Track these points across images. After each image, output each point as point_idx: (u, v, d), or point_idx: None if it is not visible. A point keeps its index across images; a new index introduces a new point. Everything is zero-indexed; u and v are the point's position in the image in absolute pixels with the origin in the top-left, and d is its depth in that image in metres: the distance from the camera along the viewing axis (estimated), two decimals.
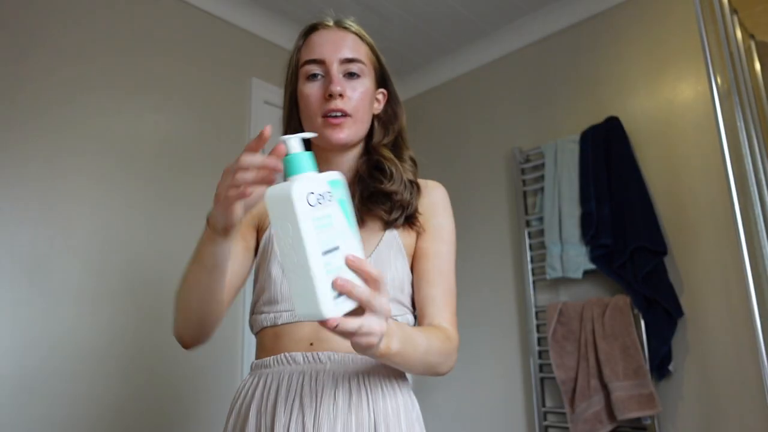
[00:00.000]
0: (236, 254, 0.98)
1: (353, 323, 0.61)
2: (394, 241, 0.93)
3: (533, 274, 2.41)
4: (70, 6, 1.86)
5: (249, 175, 0.67)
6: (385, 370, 0.87)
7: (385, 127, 1.02)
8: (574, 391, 2.09)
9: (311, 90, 0.93)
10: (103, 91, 1.89)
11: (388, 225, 0.93)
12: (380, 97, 1.01)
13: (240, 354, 2.09)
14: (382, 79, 1.01)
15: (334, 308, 0.59)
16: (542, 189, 2.40)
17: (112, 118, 1.90)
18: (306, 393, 0.82)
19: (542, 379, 2.32)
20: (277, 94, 2.43)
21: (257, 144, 0.67)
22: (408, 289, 0.93)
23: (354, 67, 0.93)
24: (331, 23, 0.97)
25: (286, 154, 0.63)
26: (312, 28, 0.98)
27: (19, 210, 1.65)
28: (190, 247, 2.17)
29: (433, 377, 0.93)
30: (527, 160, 2.50)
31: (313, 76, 0.93)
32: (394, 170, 0.94)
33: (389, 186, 0.92)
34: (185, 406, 1.91)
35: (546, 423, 2.27)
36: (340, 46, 0.93)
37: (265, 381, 0.87)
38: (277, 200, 0.60)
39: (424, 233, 0.95)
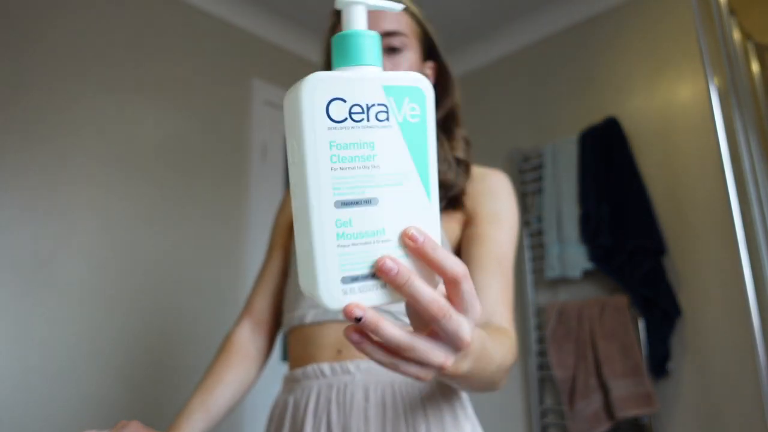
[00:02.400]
0: (278, 268, 0.93)
1: (395, 334, 0.38)
2: None
3: (532, 274, 2.41)
4: (70, 7, 1.87)
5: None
6: None
7: (436, 104, 0.90)
8: (572, 389, 2.10)
9: None
10: (104, 92, 1.90)
11: None
12: (428, 71, 0.91)
13: None
14: (429, 51, 0.91)
15: (341, 298, 0.37)
16: (541, 189, 2.41)
17: (113, 119, 1.91)
18: (334, 408, 0.73)
19: (541, 378, 2.33)
20: (278, 95, 2.44)
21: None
22: None
23: (395, 41, 0.83)
24: None
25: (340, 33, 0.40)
26: None
27: (20, 210, 1.65)
28: (190, 247, 2.19)
29: None
30: (526, 161, 2.51)
31: None
32: (454, 153, 0.85)
33: (448, 172, 0.82)
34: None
35: (545, 421, 2.28)
36: (378, 19, 0.83)
37: (295, 397, 0.79)
38: (288, 104, 0.38)
39: (476, 219, 0.83)
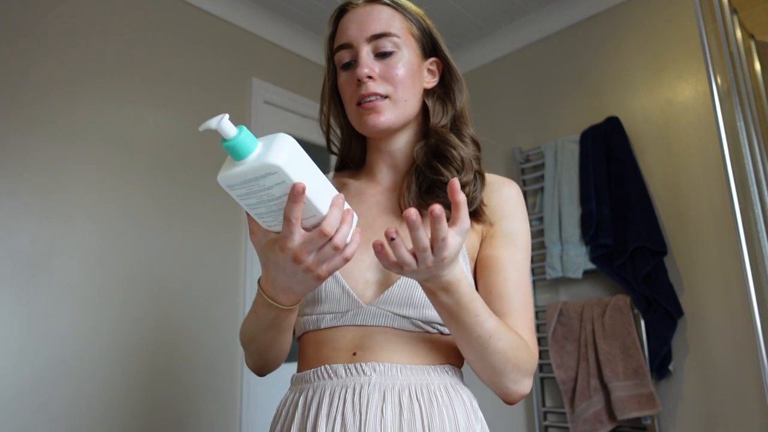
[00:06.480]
0: None
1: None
2: None
3: (533, 274, 2.40)
4: (68, 8, 1.86)
5: (354, 246, 0.64)
6: (442, 380, 0.77)
7: (443, 103, 0.89)
8: (574, 391, 2.09)
9: (344, 79, 0.85)
10: (102, 93, 1.89)
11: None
12: (433, 67, 0.89)
13: (239, 354, 2.09)
14: (432, 49, 0.89)
15: None
16: (542, 189, 2.40)
17: (112, 119, 1.90)
18: (348, 410, 0.72)
19: (542, 379, 2.32)
20: (277, 94, 2.43)
21: (341, 213, 0.63)
22: None
23: (386, 43, 0.82)
24: (360, 0, 0.86)
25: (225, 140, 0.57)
26: (341, 11, 0.87)
27: (19, 210, 1.65)
28: (188, 246, 2.17)
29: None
30: (527, 160, 2.50)
31: (347, 65, 0.84)
32: (464, 156, 0.83)
33: (460, 177, 0.81)
34: (184, 405, 1.91)
35: (546, 423, 2.27)
36: (368, 23, 0.82)
37: (305, 397, 0.78)
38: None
39: (492, 238, 0.83)
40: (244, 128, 0.57)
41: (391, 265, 0.62)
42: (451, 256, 0.61)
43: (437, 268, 0.61)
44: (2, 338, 1.56)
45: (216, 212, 2.13)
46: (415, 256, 0.61)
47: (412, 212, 0.56)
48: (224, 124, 0.55)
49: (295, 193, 0.57)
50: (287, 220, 0.59)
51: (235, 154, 0.56)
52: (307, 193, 0.57)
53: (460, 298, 0.67)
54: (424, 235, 0.59)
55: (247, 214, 0.65)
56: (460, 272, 0.66)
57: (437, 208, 0.57)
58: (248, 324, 0.81)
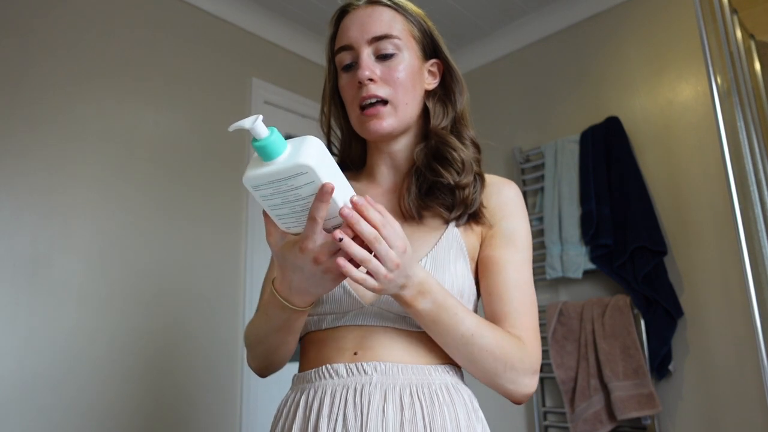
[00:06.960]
0: None
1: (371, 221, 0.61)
2: (455, 241, 0.82)
3: (533, 274, 2.40)
4: (69, 8, 1.86)
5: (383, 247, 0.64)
6: (443, 380, 0.78)
7: (443, 104, 0.89)
8: (574, 391, 2.09)
9: (345, 81, 0.85)
10: (103, 91, 1.89)
11: (448, 222, 0.83)
12: (434, 69, 0.89)
13: (239, 354, 2.09)
14: (432, 50, 0.89)
15: None
16: (542, 189, 2.40)
17: (112, 118, 1.90)
18: (350, 410, 0.72)
19: (542, 379, 2.32)
20: (277, 94, 2.43)
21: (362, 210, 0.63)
22: (468, 295, 0.81)
23: (387, 45, 0.82)
24: (361, 1, 0.86)
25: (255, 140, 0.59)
26: (342, 12, 0.87)
27: (19, 210, 1.65)
28: (188, 246, 2.17)
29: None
30: (527, 160, 2.50)
31: (348, 67, 0.85)
32: (464, 158, 0.83)
33: (460, 179, 0.82)
34: (184, 405, 1.91)
35: (546, 423, 2.27)
36: (369, 25, 0.83)
37: (307, 397, 0.78)
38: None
39: (492, 239, 0.84)
40: (275, 129, 0.58)
41: (372, 289, 0.64)
42: (407, 244, 0.65)
43: (403, 258, 0.64)
44: (2, 338, 1.56)
45: (216, 212, 2.13)
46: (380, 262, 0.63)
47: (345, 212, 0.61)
48: (258, 125, 0.57)
49: (324, 193, 0.58)
50: (312, 219, 0.60)
51: (265, 155, 0.58)
52: (333, 193, 0.59)
53: (435, 296, 0.70)
54: (369, 226, 0.62)
55: (265, 216, 0.66)
56: (425, 270, 0.70)
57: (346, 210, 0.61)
58: (256, 325, 0.82)
